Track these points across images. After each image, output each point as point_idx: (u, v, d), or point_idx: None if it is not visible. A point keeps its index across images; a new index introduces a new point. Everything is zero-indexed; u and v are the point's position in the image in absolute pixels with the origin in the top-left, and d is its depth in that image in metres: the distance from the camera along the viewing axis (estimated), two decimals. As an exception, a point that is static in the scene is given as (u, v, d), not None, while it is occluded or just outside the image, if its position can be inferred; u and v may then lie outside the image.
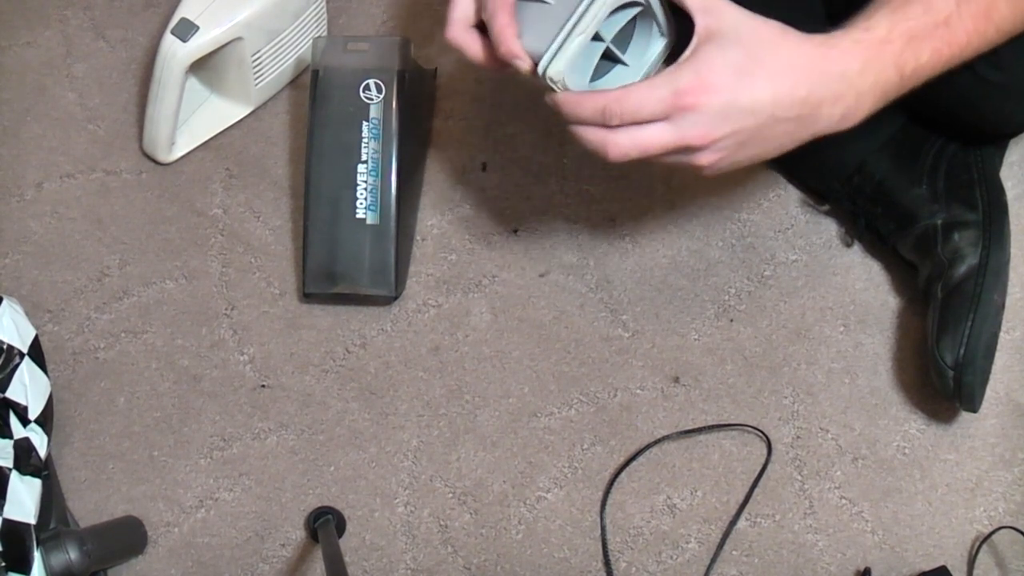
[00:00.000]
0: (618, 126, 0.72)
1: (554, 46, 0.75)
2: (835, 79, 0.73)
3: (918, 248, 0.99)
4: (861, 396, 1.00)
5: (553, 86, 0.76)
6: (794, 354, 1.02)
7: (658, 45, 0.83)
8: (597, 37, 0.77)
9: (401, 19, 1.20)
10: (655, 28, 0.83)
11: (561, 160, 1.12)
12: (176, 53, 1.03)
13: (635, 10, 0.80)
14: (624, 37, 0.82)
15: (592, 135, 0.74)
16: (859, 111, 0.74)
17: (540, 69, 0.75)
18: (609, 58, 0.81)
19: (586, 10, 0.75)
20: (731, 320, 1.04)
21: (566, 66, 0.75)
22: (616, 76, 0.83)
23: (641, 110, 0.72)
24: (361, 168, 1.02)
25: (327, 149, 1.02)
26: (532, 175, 1.11)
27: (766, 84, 0.71)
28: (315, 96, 1.03)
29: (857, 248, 1.06)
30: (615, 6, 0.77)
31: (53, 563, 0.84)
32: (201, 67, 1.08)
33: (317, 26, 1.15)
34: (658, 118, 0.71)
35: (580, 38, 0.75)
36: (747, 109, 0.72)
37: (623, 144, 0.73)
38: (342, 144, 1.02)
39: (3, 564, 0.82)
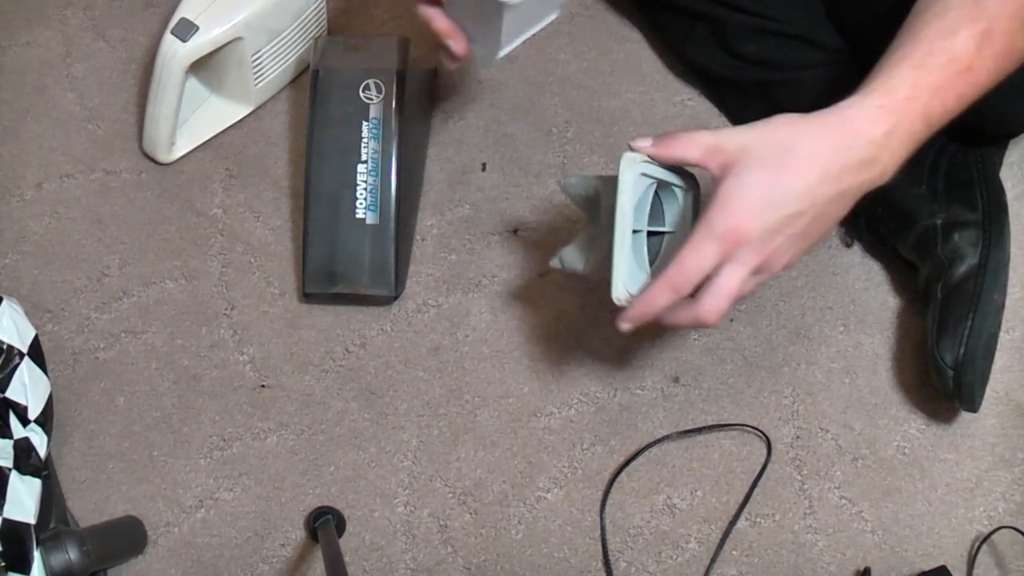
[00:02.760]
0: (695, 292, 0.75)
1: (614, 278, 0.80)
2: (864, 147, 0.73)
3: (918, 248, 0.99)
4: (861, 396, 1.00)
5: (628, 302, 0.80)
6: (794, 354, 1.02)
7: (686, 199, 0.88)
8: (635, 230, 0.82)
9: (401, 19, 1.20)
10: (674, 190, 0.88)
11: (561, 160, 1.12)
12: (176, 53, 1.03)
13: (649, 183, 0.84)
14: (656, 211, 0.86)
15: (683, 316, 0.76)
16: (895, 164, 0.75)
17: (616, 299, 0.81)
18: (653, 234, 0.86)
19: (613, 229, 0.80)
20: (731, 320, 1.04)
21: (625, 283, 0.80)
22: (669, 246, 0.88)
23: (701, 268, 0.74)
24: (361, 168, 1.02)
25: (327, 149, 1.02)
26: (532, 175, 1.11)
27: (796, 182, 0.72)
28: (315, 96, 1.03)
29: (857, 248, 1.06)
30: (633, 204, 0.81)
31: (53, 563, 0.84)
32: (201, 67, 1.08)
33: (317, 26, 1.15)
34: (719, 264, 0.74)
35: (622, 258, 0.80)
36: (791, 213, 0.73)
37: (711, 306, 0.75)
38: (342, 144, 1.02)
39: (3, 564, 0.82)
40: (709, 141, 0.75)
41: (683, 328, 0.77)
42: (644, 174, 0.82)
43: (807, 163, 0.72)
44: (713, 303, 0.75)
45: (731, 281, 0.74)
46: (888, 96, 0.73)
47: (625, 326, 0.79)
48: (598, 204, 0.90)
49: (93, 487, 0.99)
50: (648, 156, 0.79)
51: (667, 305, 0.76)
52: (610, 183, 0.84)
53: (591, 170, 1.11)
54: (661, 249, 0.88)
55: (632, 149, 0.80)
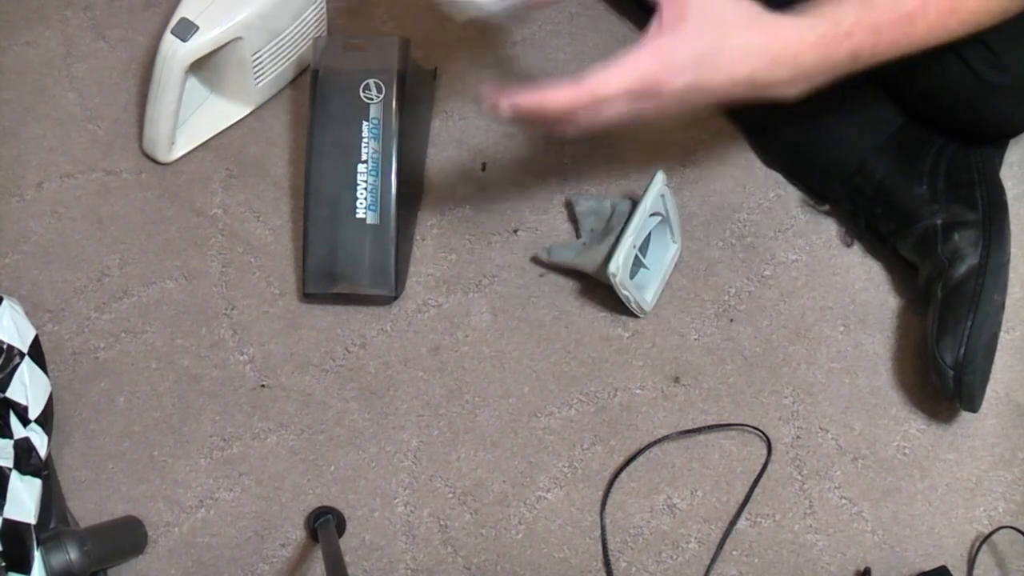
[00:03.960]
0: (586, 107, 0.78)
1: (617, 252, 0.95)
2: (791, 67, 0.77)
3: (918, 248, 0.99)
4: (861, 396, 1.00)
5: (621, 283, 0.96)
6: (794, 354, 1.02)
7: (672, 251, 1.05)
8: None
9: (401, 19, 1.20)
10: (669, 235, 1.04)
11: (561, 160, 1.12)
12: (176, 53, 1.03)
13: (657, 219, 1.01)
14: (644, 245, 1.02)
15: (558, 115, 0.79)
16: (806, 89, 0.79)
17: (611, 272, 0.95)
18: (636, 263, 1.00)
19: (629, 220, 0.97)
20: (731, 320, 1.04)
21: (620, 264, 0.95)
22: (641, 277, 1.03)
23: (610, 95, 0.77)
24: (361, 168, 1.02)
25: (327, 149, 1.02)
26: (532, 175, 1.11)
27: (724, 75, 0.77)
28: (315, 96, 1.03)
29: (857, 248, 1.06)
30: (650, 214, 0.98)
31: (53, 563, 0.84)
32: (201, 67, 1.08)
33: (317, 26, 1.15)
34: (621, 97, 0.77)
35: (628, 241, 0.95)
36: (705, 92, 0.77)
37: (584, 123, 0.79)
38: (342, 144, 1.02)
39: (3, 564, 0.82)
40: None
41: (544, 124, 0.81)
42: (661, 196, 0.99)
43: (740, 61, 0.77)
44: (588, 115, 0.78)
45: (615, 109, 0.78)
46: (832, 27, 0.76)
47: (505, 103, 0.79)
48: (602, 220, 1.03)
49: (93, 487, 0.99)
50: None
51: (562, 109, 0.78)
52: (623, 203, 1.02)
53: (590, 171, 1.11)
54: (634, 278, 1.01)
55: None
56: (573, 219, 1.08)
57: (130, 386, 1.03)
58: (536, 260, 1.06)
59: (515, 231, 1.09)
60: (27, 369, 0.91)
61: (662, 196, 0.99)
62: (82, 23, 1.22)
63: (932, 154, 1.01)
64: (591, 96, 0.77)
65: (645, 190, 0.98)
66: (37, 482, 0.88)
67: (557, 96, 0.77)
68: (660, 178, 0.99)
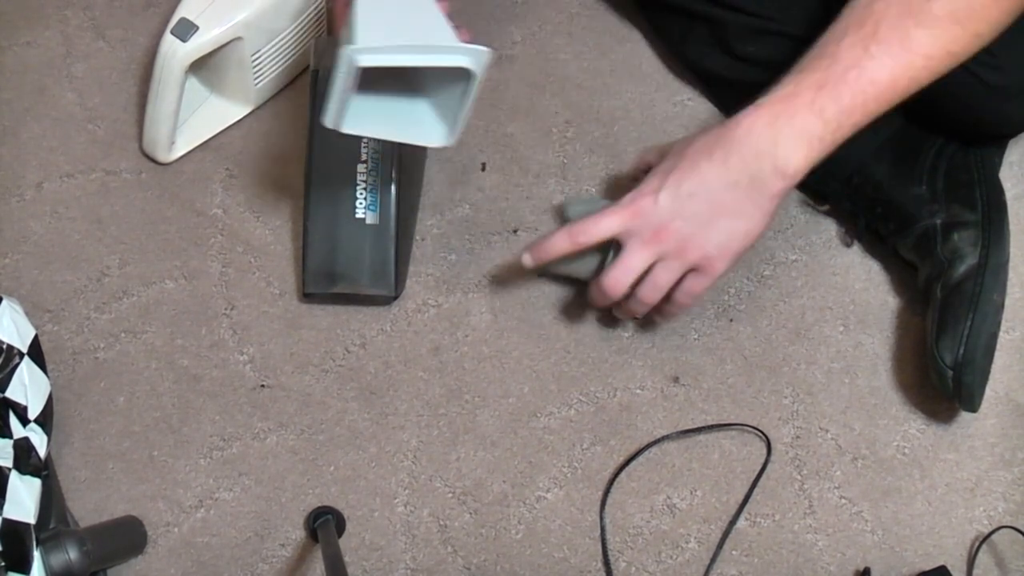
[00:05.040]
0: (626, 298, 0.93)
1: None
2: (752, 142, 0.81)
3: (918, 248, 0.99)
4: (861, 396, 1.00)
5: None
6: (794, 354, 1.02)
7: None
8: None
9: (401, 19, 1.20)
10: None
11: (561, 160, 1.12)
12: (176, 53, 1.03)
13: None
14: None
15: (597, 296, 0.93)
16: (793, 160, 0.81)
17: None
18: None
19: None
20: (731, 320, 1.04)
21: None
22: None
23: (600, 230, 0.89)
24: (361, 168, 1.02)
25: (327, 149, 1.02)
26: (532, 175, 1.11)
27: (691, 171, 0.84)
28: (315, 96, 1.03)
29: (857, 248, 1.06)
30: None
31: (53, 563, 0.84)
32: (201, 67, 1.08)
33: (317, 26, 1.15)
34: (621, 236, 0.88)
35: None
36: (684, 194, 0.84)
37: (612, 278, 0.90)
38: (342, 144, 1.02)
39: (3, 564, 0.82)
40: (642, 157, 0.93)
41: (601, 305, 0.95)
42: None
43: (699, 156, 0.84)
44: (613, 274, 0.90)
45: (634, 260, 0.88)
46: (770, 96, 0.81)
47: (527, 259, 0.94)
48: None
49: (93, 487, 0.99)
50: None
51: (563, 250, 0.91)
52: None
53: (590, 171, 1.11)
54: None
55: None
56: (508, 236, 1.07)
57: (130, 386, 1.03)
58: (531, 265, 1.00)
59: (515, 231, 1.09)
60: (27, 369, 0.91)
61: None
62: (82, 23, 1.22)
63: (931, 154, 1.01)
64: (573, 232, 0.91)
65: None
66: (37, 482, 0.88)
67: (557, 240, 0.93)
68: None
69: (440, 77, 0.83)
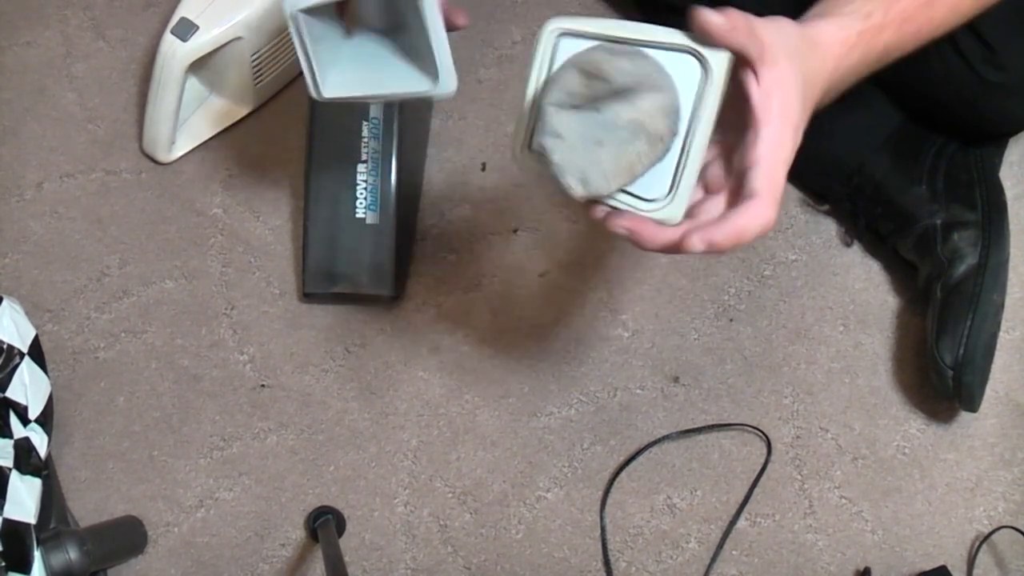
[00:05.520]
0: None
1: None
2: (832, 72, 0.71)
3: (918, 248, 0.99)
4: (861, 396, 1.00)
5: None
6: (794, 354, 1.02)
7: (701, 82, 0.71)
8: None
9: (401, 19, 1.20)
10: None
11: (561, 160, 1.12)
12: (176, 53, 1.03)
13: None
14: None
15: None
16: (835, 97, 0.73)
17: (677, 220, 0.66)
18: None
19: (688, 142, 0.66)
20: (731, 320, 1.04)
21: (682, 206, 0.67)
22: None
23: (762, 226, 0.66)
24: (361, 168, 1.02)
25: (327, 149, 1.02)
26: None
27: (803, 116, 0.68)
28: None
29: (857, 248, 1.06)
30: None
31: (53, 563, 0.84)
32: (201, 67, 1.08)
33: (317, 26, 1.15)
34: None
35: (692, 178, 0.67)
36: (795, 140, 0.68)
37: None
38: (342, 144, 1.02)
39: (3, 564, 0.82)
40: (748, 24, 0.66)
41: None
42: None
43: (818, 80, 0.69)
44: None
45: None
46: (866, 23, 0.72)
47: (700, 247, 0.65)
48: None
49: (93, 487, 0.99)
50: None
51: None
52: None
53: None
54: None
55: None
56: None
57: (130, 386, 1.03)
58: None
59: (515, 231, 1.09)
60: (27, 369, 0.91)
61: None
62: (82, 23, 1.22)
63: (931, 154, 1.01)
64: (739, 233, 0.65)
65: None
66: (37, 482, 0.88)
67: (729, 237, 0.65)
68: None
69: (406, 24, 0.76)
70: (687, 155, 0.65)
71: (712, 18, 0.66)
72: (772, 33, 0.67)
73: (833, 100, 0.73)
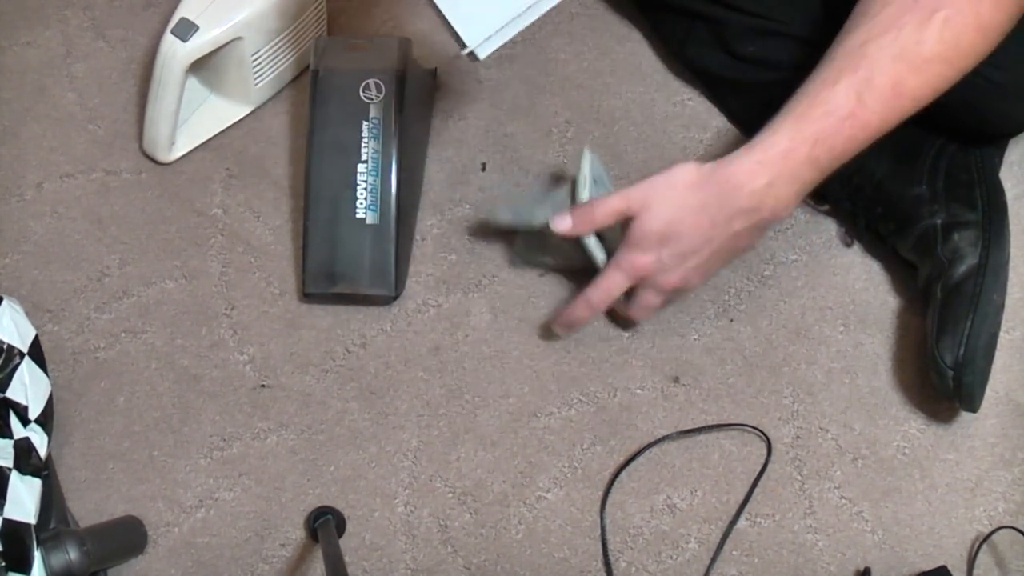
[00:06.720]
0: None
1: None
2: (746, 198, 0.85)
3: (918, 248, 0.99)
4: (861, 396, 1.00)
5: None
6: (794, 354, 1.02)
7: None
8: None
9: (401, 19, 1.20)
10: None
11: (561, 160, 1.12)
12: (176, 53, 1.03)
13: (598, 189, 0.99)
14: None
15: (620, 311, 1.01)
16: (786, 204, 0.86)
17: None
18: None
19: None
20: (731, 320, 1.04)
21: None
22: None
23: (611, 293, 0.94)
24: (361, 168, 1.02)
25: (327, 149, 1.02)
26: (532, 175, 1.11)
27: (689, 233, 0.87)
28: (315, 96, 1.03)
29: (857, 248, 1.06)
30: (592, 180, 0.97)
31: (53, 563, 0.84)
32: (201, 67, 1.08)
33: (317, 26, 1.15)
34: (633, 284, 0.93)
35: (586, 191, 0.96)
36: (686, 251, 0.88)
37: (634, 315, 1.00)
38: (342, 144, 1.02)
39: (3, 564, 0.82)
40: (619, 200, 0.90)
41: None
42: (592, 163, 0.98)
43: (696, 218, 0.86)
44: (636, 314, 0.98)
45: (647, 299, 0.95)
46: (767, 151, 0.83)
47: (559, 330, 1.01)
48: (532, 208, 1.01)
49: (93, 487, 0.99)
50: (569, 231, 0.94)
51: (588, 317, 0.96)
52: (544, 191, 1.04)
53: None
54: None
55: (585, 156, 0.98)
56: (503, 233, 1.07)
57: (130, 386, 1.03)
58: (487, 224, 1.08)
59: (515, 232, 1.08)
60: (27, 369, 0.91)
61: (593, 163, 0.99)
62: (82, 23, 1.22)
63: (932, 154, 1.01)
64: (591, 301, 0.94)
65: (580, 160, 0.98)
66: (37, 482, 0.88)
67: (578, 311, 0.96)
68: (588, 152, 0.98)
69: None
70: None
71: (560, 226, 0.93)
72: (646, 194, 0.88)
73: (795, 201, 0.86)
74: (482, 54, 0.84)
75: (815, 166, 0.83)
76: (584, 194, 0.95)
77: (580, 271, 1.01)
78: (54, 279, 1.08)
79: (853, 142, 0.83)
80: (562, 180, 1.08)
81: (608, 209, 0.91)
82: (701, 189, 0.86)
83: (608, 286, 0.93)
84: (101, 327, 1.06)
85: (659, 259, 0.89)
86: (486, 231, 1.08)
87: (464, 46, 0.84)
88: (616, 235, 1.01)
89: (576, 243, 0.95)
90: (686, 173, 0.87)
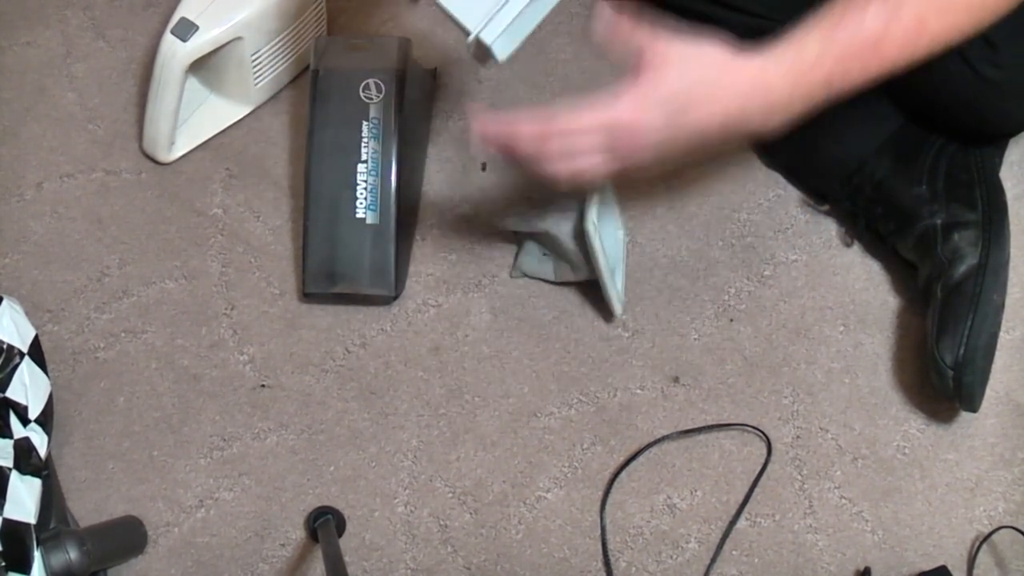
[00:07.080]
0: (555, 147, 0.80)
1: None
2: (764, 102, 0.79)
3: (918, 248, 0.99)
4: (861, 396, 1.00)
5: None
6: (794, 354, 1.02)
7: (622, 239, 1.02)
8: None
9: (401, 19, 1.20)
10: (613, 225, 1.03)
11: (561, 160, 1.12)
12: (176, 53, 1.03)
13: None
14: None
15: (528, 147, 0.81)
16: (786, 120, 0.81)
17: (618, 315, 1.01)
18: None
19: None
20: (731, 320, 1.04)
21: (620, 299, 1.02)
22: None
23: (581, 133, 0.80)
24: (361, 168, 1.02)
25: (327, 149, 1.02)
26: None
27: (696, 115, 0.79)
28: (315, 96, 1.03)
29: (857, 248, 1.06)
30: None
31: (53, 563, 0.84)
32: (201, 67, 1.08)
33: (317, 26, 1.15)
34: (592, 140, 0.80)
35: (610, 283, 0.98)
36: (678, 132, 0.79)
37: (560, 164, 0.81)
38: (342, 144, 1.02)
39: (3, 564, 0.82)
40: (648, 39, 0.82)
41: (522, 162, 0.82)
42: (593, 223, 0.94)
43: (712, 100, 0.79)
44: (569, 164, 0.81)
45: (589, 159, 0.81)
46: (797, 59, 0.79)
47: (477, 129, 0.82)
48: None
49: (93, 487, 0.99)
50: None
51: (530, 139, 0.80)
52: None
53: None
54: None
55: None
56: (504, 234, 1.08)
57: (130, 386, 1.03)
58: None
59: (515, 231, 1.08)
60: (27, 369, 0.91)
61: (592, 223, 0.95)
62: (82, 23, 1.22)
63: (932, 154, 1.01)
64: (560, 129, 0.79)
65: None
66: (37, 482, 0.88)
67: (525, 126, 0.79)
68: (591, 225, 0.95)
69: None
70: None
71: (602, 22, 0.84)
72: (683, 53, 0.80)
73: (786, 124, 0.80)
74: (502, 55, 0.83)
75: (828, 87, 0.80)
76: (594, 199, 0.94)
77: (582, 282, 1.01)
78: (54, 279, 1.08)
79: (867, 73, 0.80)
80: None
81: (637, 35, 0.82)
82: (728, 74, 0.80)
83: (583, 128, 0.80)
84: (101, 327, 1.06)
85: (644, 120, 0.79)
86: (486, 231, 1.08)
87: (468, 32, 0.83)
88: (617, 252, 1.02)
89: (582, 248, 0.95)
90: (718, 53, 0.81)
